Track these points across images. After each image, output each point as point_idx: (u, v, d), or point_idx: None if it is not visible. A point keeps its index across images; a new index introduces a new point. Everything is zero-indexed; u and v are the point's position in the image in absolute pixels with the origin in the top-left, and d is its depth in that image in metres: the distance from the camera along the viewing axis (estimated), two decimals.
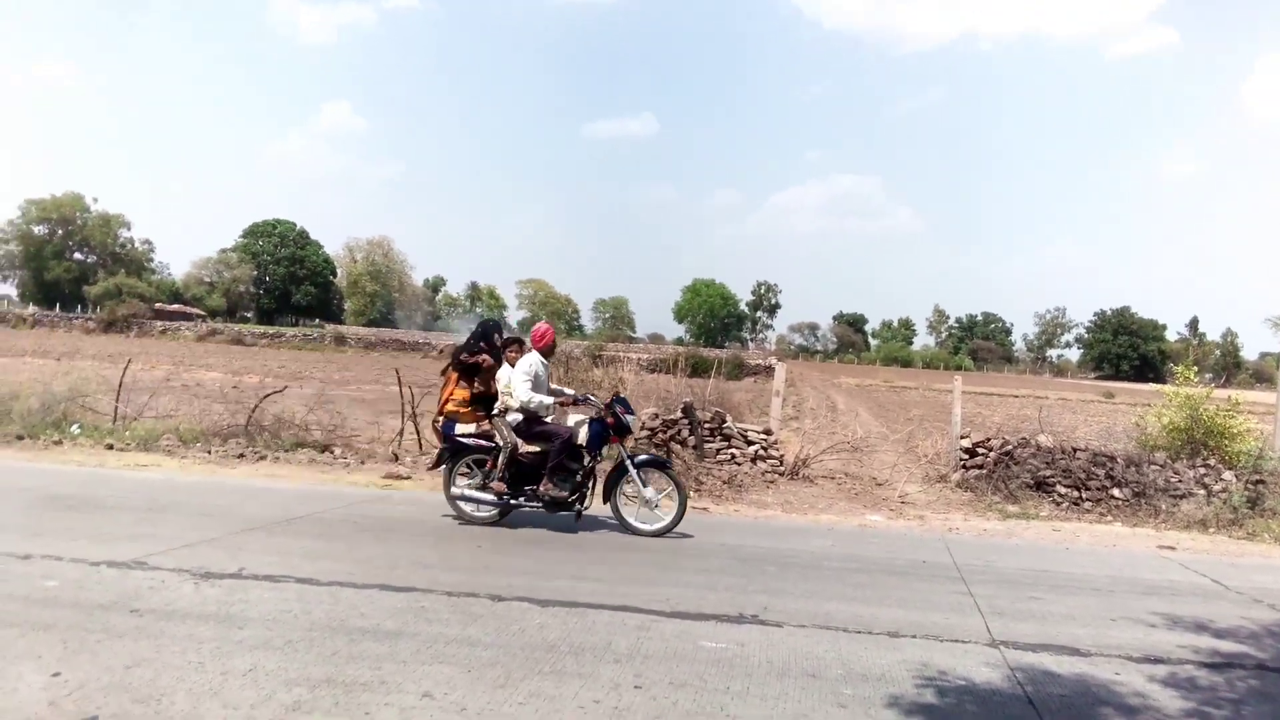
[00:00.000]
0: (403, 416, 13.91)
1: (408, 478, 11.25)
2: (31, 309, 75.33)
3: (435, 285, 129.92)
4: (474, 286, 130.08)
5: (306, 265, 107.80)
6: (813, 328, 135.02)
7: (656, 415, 13.65)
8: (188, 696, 4.15)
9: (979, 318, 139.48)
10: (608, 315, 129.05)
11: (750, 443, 13.53)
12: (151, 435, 12.73)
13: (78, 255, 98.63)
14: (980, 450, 13.28)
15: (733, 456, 13.40)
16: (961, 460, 13.35)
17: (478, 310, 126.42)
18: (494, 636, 5.21)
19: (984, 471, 12.92)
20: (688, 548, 8.08)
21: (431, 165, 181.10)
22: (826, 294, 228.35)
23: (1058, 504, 12.06)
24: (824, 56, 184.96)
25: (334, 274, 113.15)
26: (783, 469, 13.15)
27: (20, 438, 12.40)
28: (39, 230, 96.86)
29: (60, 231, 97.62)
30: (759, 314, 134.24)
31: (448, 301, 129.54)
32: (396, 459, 12.52)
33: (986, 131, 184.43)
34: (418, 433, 13.64)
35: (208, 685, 4.28)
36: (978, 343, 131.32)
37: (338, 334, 69.06)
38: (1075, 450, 12.75)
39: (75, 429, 13.04)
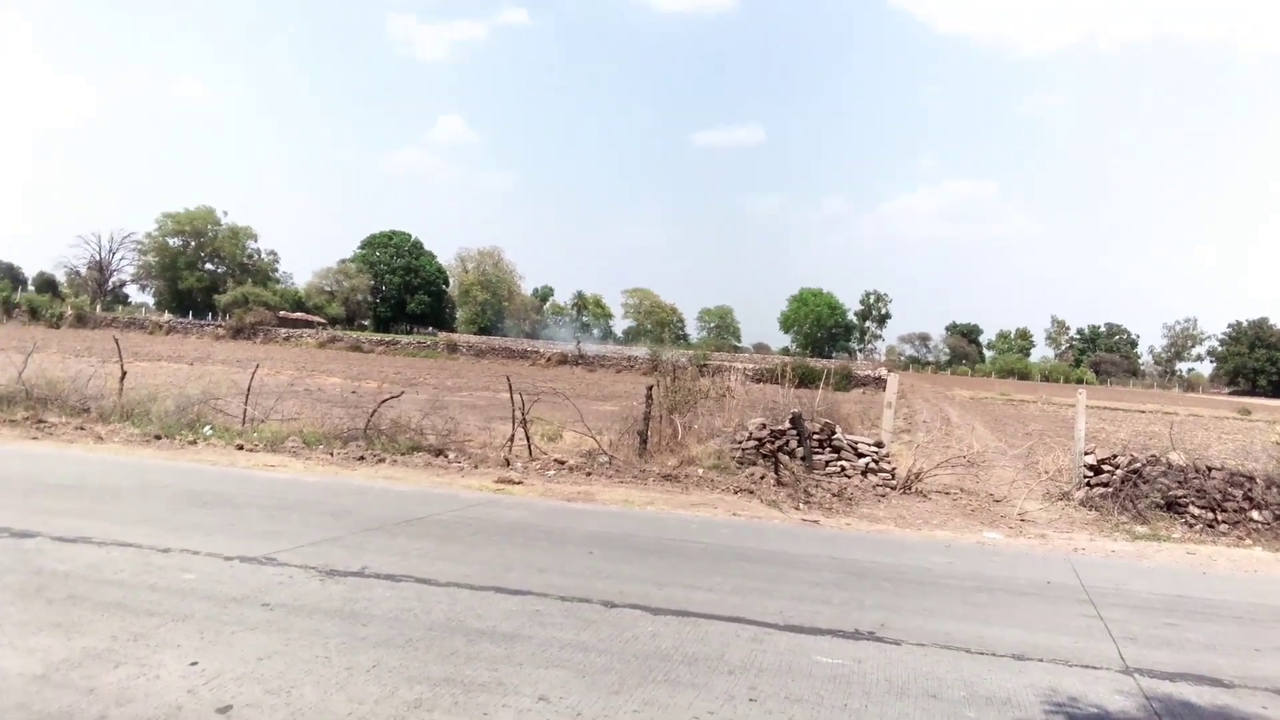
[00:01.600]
0: (513, 423, 14.15)
1: (519, 483, 11.42)
2: (166, 316, 79.65)
3: (543, 294, 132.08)
4: (580, 295, 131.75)
5: (420, 275, 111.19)
6: (924, 338, 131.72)
7: (764, 425, 13.53)
8: (315, 689, 4.29)
9: (1102, 329, 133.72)
10: (713, 325, 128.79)
11: (861, 455, 13.28)
12: (278, 437, 13.30)
13: (209, 265, 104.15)
14: (1106, 467, 12.70)
15: (842, 469, 13.18)
16: (1085, 477, 12.79)
17: (583, 319, 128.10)
18: (607, 643, 5.22)
19: (1110, 490, 12.34)
20: (800, 560, 7.96)
21: (541, 176, 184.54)
22: (939, 304, 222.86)
23: (1190, 525, 11.43)
24: (937, 60, 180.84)
25: (446, 283, 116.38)
26: (894, 483, 12.86)
27: (158, 437, 13.11)
28: (174, 242, 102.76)
29: (193, 243, 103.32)
30: (868, 324, 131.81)
31: (555, 310, 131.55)
32: (508, 464, 12.74)
33: (1108, 134, 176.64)
34: (528, 439, 13.86)
35: (334, 679, 4.42)
36: (1100, 355, 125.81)
37: (450, 341, 70.80)
38: (1210, 469, 12.06)
39: (208, 430, 13.72)
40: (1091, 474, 12.75)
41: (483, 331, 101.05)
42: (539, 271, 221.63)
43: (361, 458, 12.55)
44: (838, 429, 13.62)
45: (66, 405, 14.75)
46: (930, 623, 6.10)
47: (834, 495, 12.00)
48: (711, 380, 18.23)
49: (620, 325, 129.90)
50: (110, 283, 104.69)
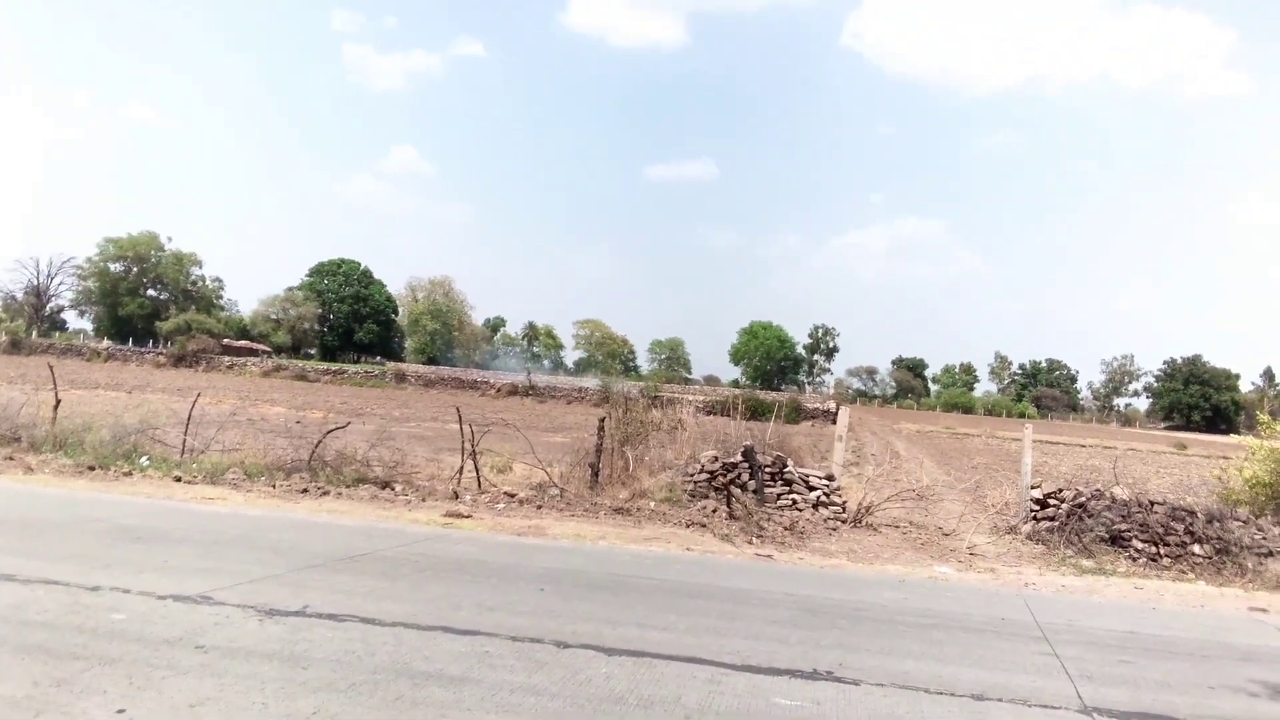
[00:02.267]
0: (462, 454, 13.91)
1: (468, 516, 11.18)
2: (105, 343, 77.72)
3: (495, 325, 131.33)
4: (531, 326, 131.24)
5: (369, 304, 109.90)
6: (871, 372, 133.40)
7: (716, 458, 13.46)
8: None
9: (1043, 364, 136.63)
10: (664, 356, 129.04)
11: (812, 488, 13.26)
12: (218, 468, 12.89)
13: (151, 292, 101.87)
14: (1052, 501, 12.83)
15: (794, 502, 13.13)
16: (1032, 511, 12.90)
17: (534, 350, 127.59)
18: (560, 686, 5.05)
19: (1056, 524, 12.46)
20: (755, 597, 7.85)
21: (495, 208, 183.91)
22: (886, 338, 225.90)
23: (1134, 559, 11.57)
24: (888, 100, 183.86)
25: (396, 312, 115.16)
26: (846, 516, 12.84)
27: (92, 468, 12.63)
28: (115, 268, 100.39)
29: (135, 269, 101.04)
30: (816, 357, 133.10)
31: (506, 341, 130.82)
32: (457, 497, 12.48)
33: (1054, 175, 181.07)
34: (477, 471, 13.62)
35: None
36: (1042, 390, 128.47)
37: (398, 371, 69.98)
38: (1153, 504, 12.24)
39: (145, 461, 13.26)
40: (1038, 508, 12.87)
41: (432, 361, 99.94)
42: (491, 302, 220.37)
43: (305, 490, 12.21)
44: (789, 462, 13.59)
45: None
46: (888, 661, 6.02)
47: (786, 529, 11.94)
48: (663, 412, 18.18)
49: (571, 356, 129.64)
50: (48, 308, 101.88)
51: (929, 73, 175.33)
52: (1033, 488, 13.20)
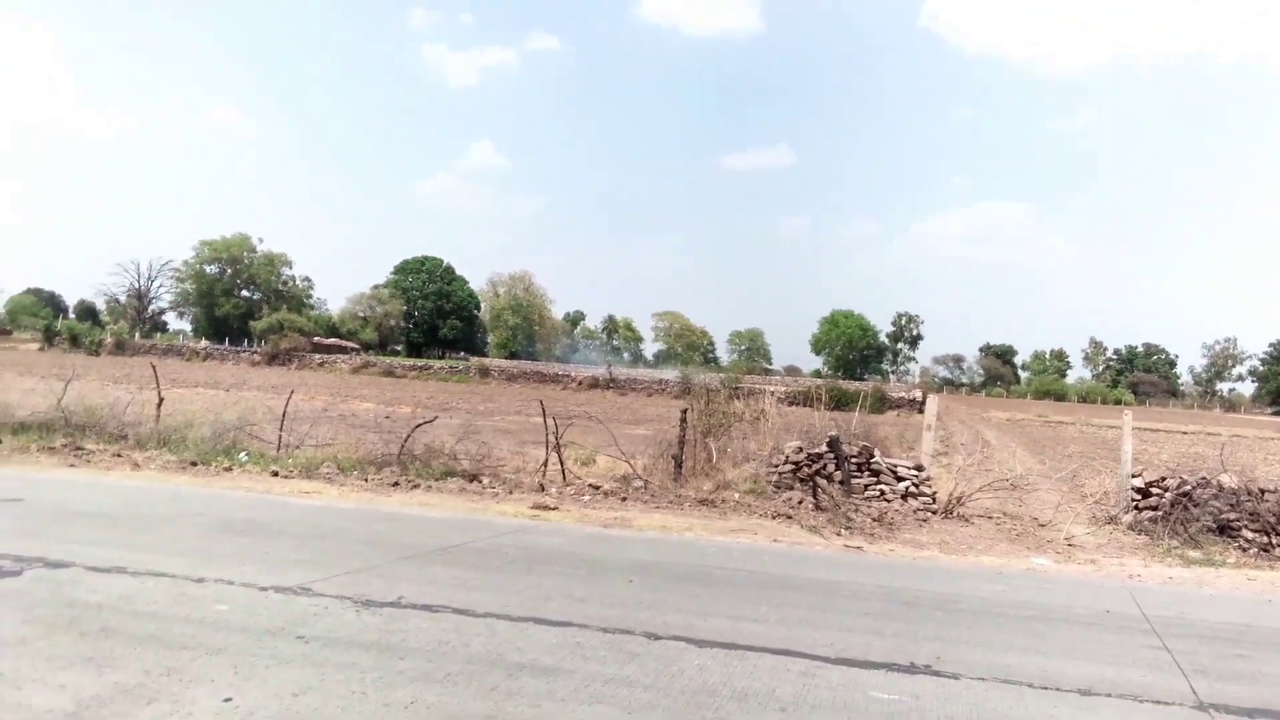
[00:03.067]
0: (547, 447, 14.02)
1: (555, 508, 11.26)
2: (203, 343, 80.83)
3: (574, 318, 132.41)
4: (611, 319, 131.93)
5: (452, 300, 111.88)
6: (957, 360, 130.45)
7: (801, 449, 13.30)
8: None
9: (1139, 349, 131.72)
10: (743, 347, 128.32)
11: (900, 478, 13.00)
12: (312, 463, 13.25)
13: (245, 292, 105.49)
14: (1154, 490, 12.33)
15: (882, 493, 12.90)
16: (1133, 501, 12.42)
17: (614, 343, 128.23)
18: (652, 677, 5.02)
19: (1159, 513, 11.97)
20: (846, 589, 7.71)
21: (571, 200, 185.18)
22: (972, 325, 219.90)
23: (1244, 550, 11.03)
24: (968, 81, 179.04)
25: (478, 308, 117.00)
26: (936, 507, 12.56)
27: (194, 464, 13.10)
28: (211, 269, 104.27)
29: (229, 270, 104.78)
30: (900, 346, 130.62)
31: (586, 334, 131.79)
32: (543, 489, 12.59)
33: (1145, 155, 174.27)
34: (561, 463, 13.72)
35: (372, 716, 4.26)
36: (1138, 375, 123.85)
37: (482, 366, 71.06)
38: (1263, 491, 11.66)
39: (243, 456, 13.71)
40: (1139, 497, 12.39)
41: (514, 356, 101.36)
42: (570, 295, 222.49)
43: (396, 483, 12.45)
44: (876, 452, 13.36)
45: (104, 432, 14.82)
46: (988, 655, 5.84)
47: (875, 520, 11.73)
48: (745, 403, 17.98)
49: (651, 349, 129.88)
50: (149, 310, 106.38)
51: (1011, 52, 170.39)
52: (1133, 476, 12.71)
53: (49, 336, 75.72)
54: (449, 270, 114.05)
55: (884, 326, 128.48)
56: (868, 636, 6.12)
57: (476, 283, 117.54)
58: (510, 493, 12.32)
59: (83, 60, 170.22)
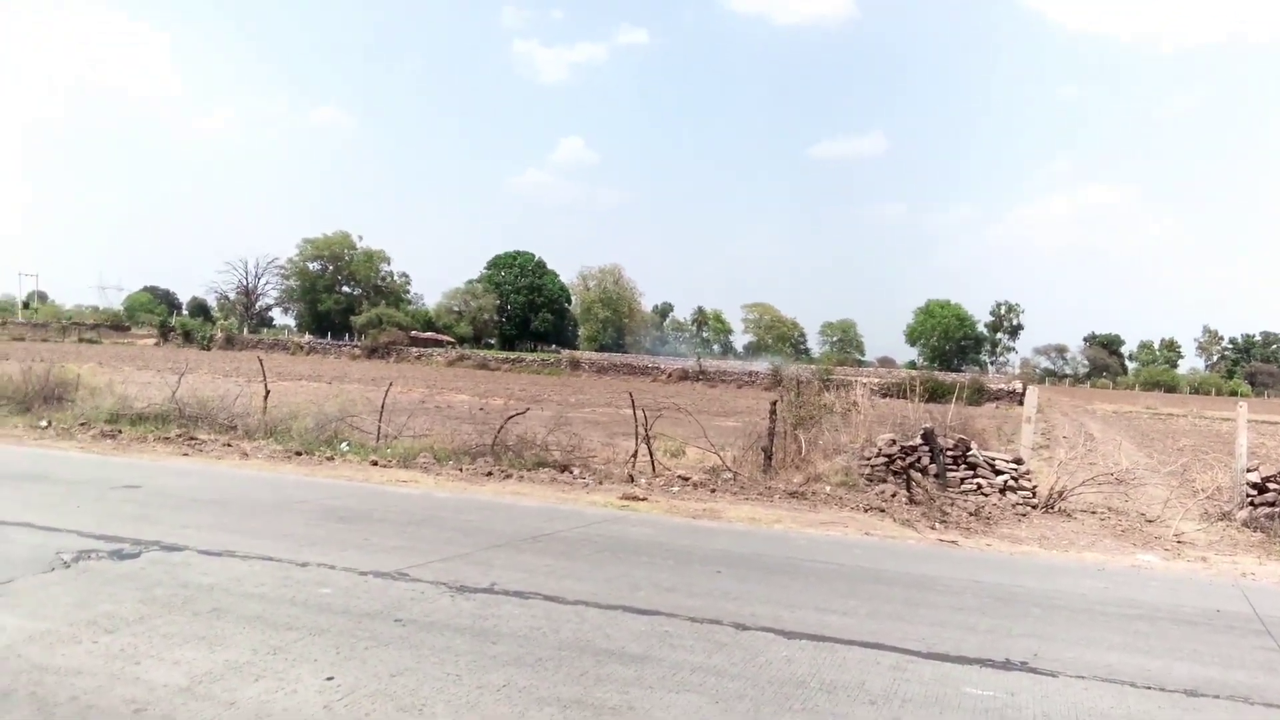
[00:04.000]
0: (636, 439, 14.12)
1: (644, 499, 11.34)
2: (306, 338, 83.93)
3: (663, 310, 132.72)
4: (700, 311, 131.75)
5: (544, 293, 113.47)
6: (1060, 350, 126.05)
7: (894, 441, 13.07)
8: (447, 708, 4.26)
9: (1257, 338, 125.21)
10: (835, 338, 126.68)
11: (998, 472, 12.68)
12: (410, 453, 13.63)
13: (345, 288, 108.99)
14: (1271, 485, 11.74)
15: (979, 487, 12.60)
16: (1249, 497, 11.85)
17: (703, 334, 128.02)
18: (740, 667, 5.03)
19: (1276, 509, 11.39)
20: (939, 583, 7.57)
21: (660, 193, 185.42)
22: (1075, 314, 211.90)
23: None
24: (1072, 60, 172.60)
25: (569, 301, 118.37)
26: (1035, 501, 12.20)
27: (299, 453, 13.62)
28: (313, 266, 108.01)
29: (331, 267, 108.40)
30: (999, 336, 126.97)
31: (675, 326, 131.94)
32: (632, 480, 12.68)
33: (1262, 134, 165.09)
34: (651, 455, 13.79)
35: (465, 699, 4.38)
36: (1256, 365, 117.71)
37: (572, 359, 71.87)
38: None
39: (344, 446, 14.19)
40: (1255, 493, 11.81)
41: (604, 348, 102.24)
42: (658, 287, 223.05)
43: (489, 473, 12.72)
44: (973, 445, 13.05)
45: (215, 423, 15.54)
46: (1088, 653, 5.66)
47: (971, 514, 11.47)
48: (836, 395, 17.76)
49: (740, 340, 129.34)
50: (256, 306, 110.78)
51: (1116, 29, 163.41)
52: (1249, 470, 12.12)
53: (164, 332, 79.72)
54: (540, 264, 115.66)
55: (982, 316, 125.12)
56: (961, 632, 6.00)
57: (567, 276, 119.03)
58: (600, 483, 12.45)
59: (191, 64, 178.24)
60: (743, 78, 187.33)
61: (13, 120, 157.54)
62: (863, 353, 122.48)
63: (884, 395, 26.77)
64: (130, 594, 5.83)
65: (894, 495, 11.98)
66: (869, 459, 13.07)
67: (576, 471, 13.11)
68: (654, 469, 13.45)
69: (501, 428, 14.29)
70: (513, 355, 76.68)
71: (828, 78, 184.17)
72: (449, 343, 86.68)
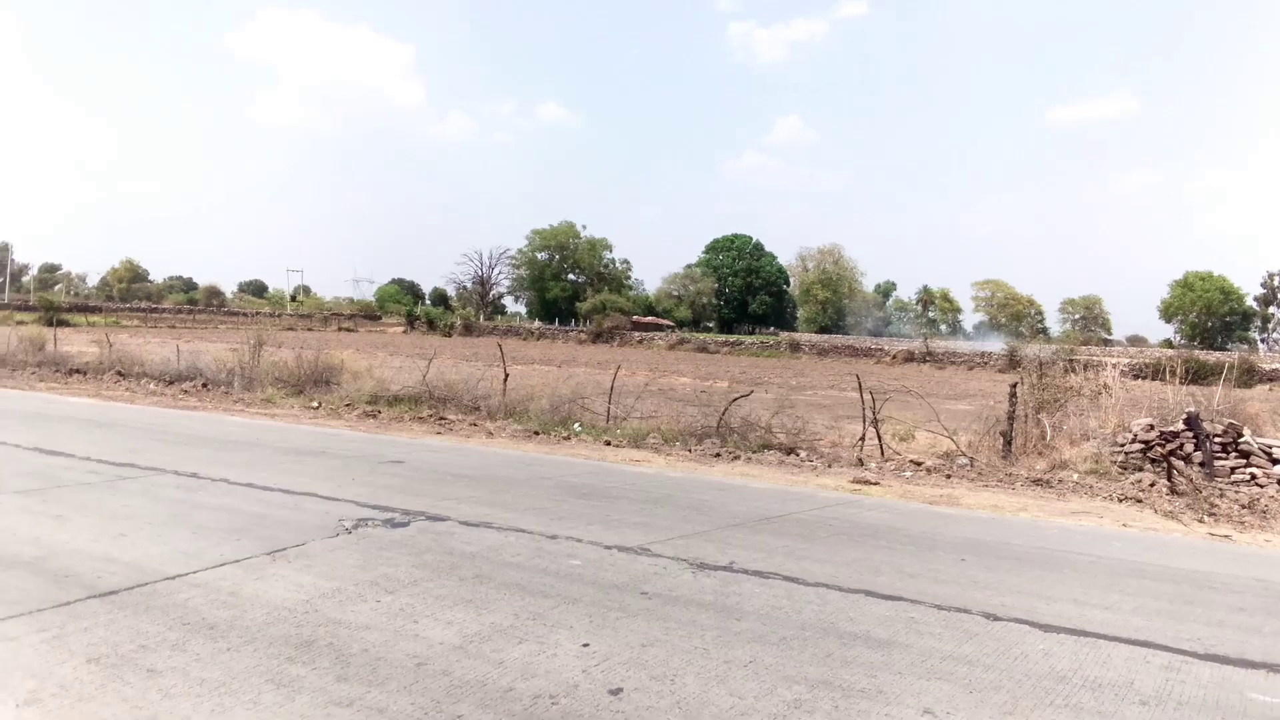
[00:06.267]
0: (863, 422, 13.85)
1: (876, 483, 11.11)
2: (536, 323, 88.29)
3: (885, 290, 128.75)
4: (925, 290, 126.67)
5: (761, 276, 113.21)
6: None
7: (1152, 426, 12.10)
8: (697, 680, 4.39)
9: None
10: (1077, 316, 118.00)
11: (1276, 461, 11.46)
12: (639, 434, 14.04)
13: (570, 276, 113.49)
14: None
15: (1253, 477, 11.45)
16: None
17: (929, 314, 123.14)
18: (993, 658, 4.86)
19: None
20: (1213, 580, 6.95)
21: (882, 169, 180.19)
22: None
23: None
24: None
25: (787, 283, 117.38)
26: None
27: (537, 433, 14.36)
28: (541, 256, 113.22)
29: (557, 256, 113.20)
30: (1271, 310, 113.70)
31: (899, 306, 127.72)
32: (861, 464, 12.46)
33: None
34: (879, 438, 13.48)
35: (714, 671, 4.50)
36: None
37: (792, 341, 71.30)
38: None
39: (577, 427, 14.82)
40: None
41: (823, 330, 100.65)
42: (880, 266, 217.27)
43: (717, 454, 12.88)
44: (1245, 431, 11.85)
45: (461, 404, 16.67)
46: None
47: (1244, 507, 10.42)
48: (1082, 377, 16.62)
49: (970, 320, 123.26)
50: (490, 295, 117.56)
51: None
52: None
53: (410, 321, 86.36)
54: (758, 247, 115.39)
55: (1251, 289, 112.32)
56: (1242, 633, 5.49)
57: (785, 258, 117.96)
58: (829, 466, 12.32)
59: (431, 72, 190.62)
60: (969, 42, 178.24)
61: (276, 128, 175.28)
62: (1109, 331, 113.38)
63: (1136, 377, 24.78)
64: (404, 559, 6.39)
65: (1153, 485, 11.09)
66: (1123, 446, 12.18)
67: (803, 454, 13.03)
68: (883, 453, 13.14)
69: (725, 410, 14.43)
70: (732, 338, 77.05)
71: (1067, 35, 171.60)
72: (669, 326, 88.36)
